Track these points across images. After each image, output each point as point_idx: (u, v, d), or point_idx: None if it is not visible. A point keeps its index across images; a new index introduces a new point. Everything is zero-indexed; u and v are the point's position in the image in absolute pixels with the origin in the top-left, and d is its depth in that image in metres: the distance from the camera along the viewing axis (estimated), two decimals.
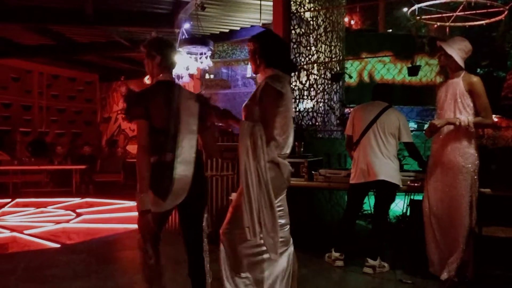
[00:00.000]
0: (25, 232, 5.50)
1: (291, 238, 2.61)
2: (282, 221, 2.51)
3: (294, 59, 5.62)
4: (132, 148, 11.84)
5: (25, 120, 11.24)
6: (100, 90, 12.78)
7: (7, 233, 5.49)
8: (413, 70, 4.95)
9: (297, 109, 5.67)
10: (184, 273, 2.62)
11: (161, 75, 2.50)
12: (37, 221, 6.29)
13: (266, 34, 2.70)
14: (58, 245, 4.96)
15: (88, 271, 3.97)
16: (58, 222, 6.18)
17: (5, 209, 7.29)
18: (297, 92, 5.65)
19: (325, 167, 4.78)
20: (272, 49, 2.56)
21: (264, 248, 2.41)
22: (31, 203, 7.84)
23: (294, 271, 2.61)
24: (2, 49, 9.56)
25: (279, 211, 2.46)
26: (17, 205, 7.79)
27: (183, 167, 2.34)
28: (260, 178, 2.29)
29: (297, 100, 5.66)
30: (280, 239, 2.42)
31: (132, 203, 7.93)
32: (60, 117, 11.99)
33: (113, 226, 6.02)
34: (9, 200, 8.11)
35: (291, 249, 2.58)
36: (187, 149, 2.37)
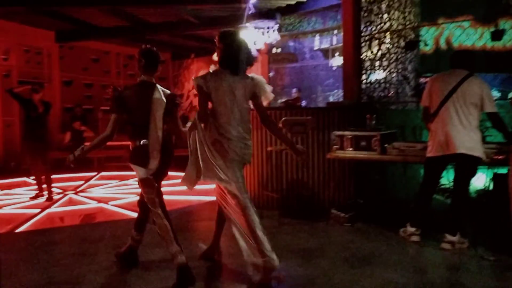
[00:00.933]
0: (110, 203, 5.94)
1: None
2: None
3: (365, 28, 5.41)
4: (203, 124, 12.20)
5: (105, 99, 11.96)
6: (172, 68, 13.22)
7: (94, 204, 5.97)
8: (497, 35, 4.58)
9: (368, 80, 5.49)
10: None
11: (143, 76, 3.29)
12: (121, 193, 6.76)
13: (225, 35, 3.19)
14: None
15: None
16: (139, 194, 6.58)
17: (92, 182, 7.90)
18: (368, 63, 5.47)
19: (399, 140, 4.62)
20: (223, 51, 3.13)
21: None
22: (114, 176, 8.42)
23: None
24: (83, 31, 10.18)
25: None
26: (102, 178, 8.41)
27: (154, 147, 3.19)
28: (192, 144, 3.11)
29: (368, 71, 5.48)
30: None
31: None
32: None
33: (188, 198, 6.30)
34: (95, 173, 8.77)
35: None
36: (155, 136, 3.20)
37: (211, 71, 3.15)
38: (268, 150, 5.18)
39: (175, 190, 7.05)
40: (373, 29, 5.54)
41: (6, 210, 5.51)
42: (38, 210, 5.51)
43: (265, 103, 3.25)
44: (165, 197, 6.80)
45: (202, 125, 3.08)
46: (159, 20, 9.57)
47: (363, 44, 5.42)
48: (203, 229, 4.84)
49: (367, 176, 5.03)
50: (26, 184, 7.74)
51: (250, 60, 3.19)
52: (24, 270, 3.38)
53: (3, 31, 9.46)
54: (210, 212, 5.54)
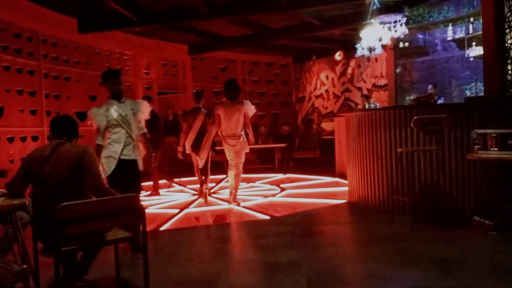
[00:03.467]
0: (240, 204, 6.20)
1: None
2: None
3: (509, 13, 4.80)
4: (326, 125, 12.09)
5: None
6: (294, 72, 13.38)
7: (225, 205, 6.30)
8: None
9: None
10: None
11: (196, 104, 6.53)
12: (249, 195, 7.03)
13: (225, 84, 6.20)
14: (267, 217, 5.44)
15: (295, 242, 4.24)
16: (266, 196, 6.79)
17: (222, 184, 8.36)
18: None
19: None
20: (225, 89, 6.16)
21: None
22: (242, 179, 8.75)
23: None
24: (212, 43, 10.87)
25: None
26: None
27: (190, 138, 6.43)
28: (208, 142, 6.33)
29: None
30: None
31: (329, 179, 8.14)
32: (261, 100, 13.03)
33: (314, 201, 6.28)
34: (224, 176, 9.26)
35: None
36: (195, 132, 6.38)
37: (223, 101, 6.18)
38: (398, 152, 4.90)
39: (300, 192, 7.10)
40: None
41: (150, 210, 6.11)
42: (177, 210, 6.00)
43: (250, 115, 6.09)
44: (290, 200, 6.94)
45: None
46: (281, 25, 9.76)
47: (507, 30, 4.81)
48: (329, 233, 4.77)
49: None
50: (166, 186, 8.52)
51: (239, 92, 6.13)
52: (167, 266, 3.69)
53: (144, 48, 10.59)
54: (335, 216, 5.45)
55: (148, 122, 7.06)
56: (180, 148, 6.57)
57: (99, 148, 4.03)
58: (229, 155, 6.17)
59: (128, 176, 4.04)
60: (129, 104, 4.22)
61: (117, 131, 4.07)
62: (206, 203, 6.49)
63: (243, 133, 6.07)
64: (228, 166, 6.37)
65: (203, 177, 6.58)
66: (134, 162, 4.13)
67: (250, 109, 6.05)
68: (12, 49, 7.33)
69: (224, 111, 5.96)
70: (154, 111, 7.14)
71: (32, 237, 2.88)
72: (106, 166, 4.00)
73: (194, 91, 6.85)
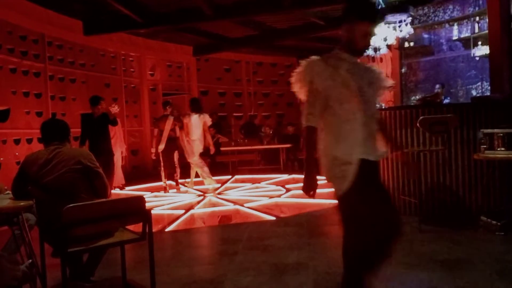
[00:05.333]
0: (245, 205, 6.20)
1: None
2: None
3: None
4: None
5: (237, 105, 12.62)
6: None
7: (231, 206, 6.29)
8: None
9: None
10: None
11: (163, 112, 7.69)
12: (254, 195, 7.02)
13: (192, 100, 7.64)
14: (273, 218, 5.43)
15: (301, 243, 4.23)
16: (271, 197, 6.78)
17: (227, 184, 8.36)
18: None
19: None
20: (192, 105, 7.60)
21: None
22: (247, 180, 8.79)
23: None
24: (217, 44, 10.88)
25: None
26: (236, 181, 8.85)
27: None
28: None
29: None
30: None
31: None
32: (266, 100, 13.03)
33: (320, 202, 6.25)
34: (229, 177, 9.27)
35: None
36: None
37: (189, 113, 7.32)
38: (404, 152, 4.87)
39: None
40: None
41: (156, 211, 6.11)
42: (183, 211, 6.00)
43: (208, 124, 7.60)
44: (295, 200, 6.90)
45: None
46: (286, 25, 9.75)
47: None
48: (335, 234, 4.73)
49: None
50: (171, 187, 8.52)
51: (202, 107, 7.48)
52: (173, 267, 3.70)
53: (150, 49, 10.62)
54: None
55: (102, 125, 6.16)
56: (153, 150, 7.80)
57: (310, 133, 2.33)
58: (191, 155, 7.37)
59: (378, 191, 2.38)
60: (366, 68, 2.46)
61: (348, 111, 2.28)
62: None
63: (202, 137, 7.42)
64: (192, 167, 7.56)
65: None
66: (378, 165, 2.45)
67: (208, 119, 7.50)
68: (18, 51, 7.38)
69: (191, 121, 7.33)
70: (107, 113, 6.37)
71: (39, 239, 2.89)
72: (336, 180, 2.36)
73: (163, 101, 8.18)
